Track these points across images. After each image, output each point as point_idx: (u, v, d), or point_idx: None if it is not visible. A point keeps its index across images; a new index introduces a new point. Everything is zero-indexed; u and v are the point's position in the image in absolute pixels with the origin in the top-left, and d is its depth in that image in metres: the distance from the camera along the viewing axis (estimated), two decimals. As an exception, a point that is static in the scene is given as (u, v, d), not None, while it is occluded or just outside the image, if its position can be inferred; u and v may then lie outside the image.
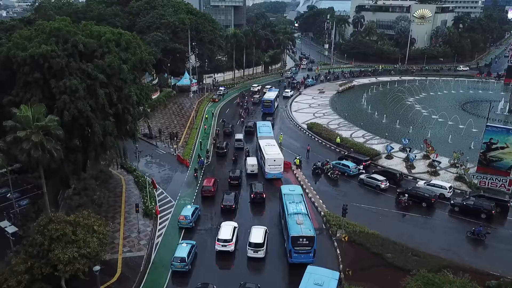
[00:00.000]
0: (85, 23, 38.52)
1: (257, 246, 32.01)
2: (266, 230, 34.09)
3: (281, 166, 46.13)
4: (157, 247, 34.06)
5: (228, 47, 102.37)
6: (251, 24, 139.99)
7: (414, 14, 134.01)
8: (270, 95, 76.95)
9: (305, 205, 35.30)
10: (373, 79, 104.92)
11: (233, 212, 39.28)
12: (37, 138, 28.27)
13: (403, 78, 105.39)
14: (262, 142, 50.05)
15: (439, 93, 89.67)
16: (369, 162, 49.69)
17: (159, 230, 36.48)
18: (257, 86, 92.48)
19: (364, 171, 47.83)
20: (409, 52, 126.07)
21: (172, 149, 55.35)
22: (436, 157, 49.37)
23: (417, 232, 36.17)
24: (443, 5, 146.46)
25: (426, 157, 51.16)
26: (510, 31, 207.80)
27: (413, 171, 48.58)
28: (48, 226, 25.77)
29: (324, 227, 36.98)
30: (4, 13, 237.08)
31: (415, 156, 50.49)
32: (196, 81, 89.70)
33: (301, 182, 45.26)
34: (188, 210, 37.36)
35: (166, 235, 35.76)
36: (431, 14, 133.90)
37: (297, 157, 50.19)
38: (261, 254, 32.07)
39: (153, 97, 77.52)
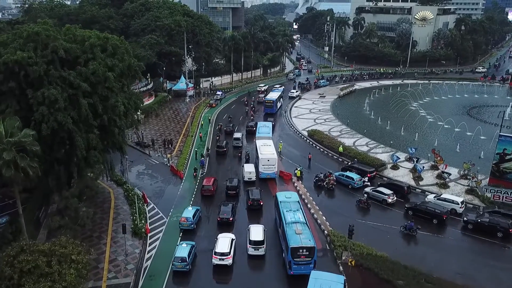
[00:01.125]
0: (68, 26, 35.52)
1: (258, 243, 32.18)
2: (264, 228, 34.08)
3: (275, 166, 46.17)
4: (146, 272, 31.04)
5: (226, 50, 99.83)
6: (250, 26, 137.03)
7: (415, 16, 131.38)
8: (273, 95, 77.26)
9: (303, 213, 33.83)
10: (374, 83, 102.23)
11: (230, 224, 37.10)
12: (10, 155, 25.34)
13: (406, 81, 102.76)
14: (258, 142, 50.90)
15: (443, 97, 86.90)
16: (374, 173, 46.81)
17: (148, 252, 33.46)
18: (264, 86, 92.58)
19: (369, 183, 44.95)
20: (411, 55, 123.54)
21: (165, 159, 52.38)
22: (445, 168, 46.54)
23: (428, 253, 33.27)
24: (445, 7, 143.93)
25: (434, 167, 48.34)
26: (511, 33, 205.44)
27: (421, 183, 45.71)
28: (18, 257, 22.79)
29: (328, 247, 34.06)
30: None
31: (423, 167, 47.61)
32: (192, 85, 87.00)
33: (303, 196, 42.42)
34: (189, 212, 36.64)
35: (156, 258, 32.74)
36: (432, 16, 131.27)
37: (298, 168, 47.35)
38: (261, 251, 32.27)
39: (148, 102, 75.03)
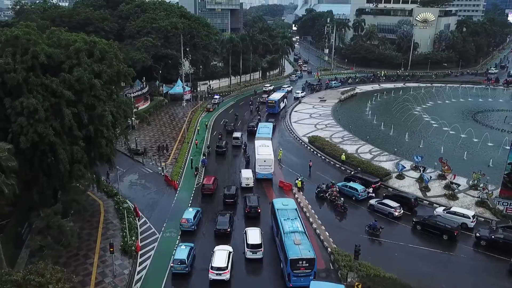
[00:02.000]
0: (52, 29, 33.10)
1: (256, 247, 31.76)
2: (261, 230, 33.70)
3: (271, 167, 46.45)
4: (135, 295, 28.71)
5: (224, 52, 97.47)
6: (248, 28, 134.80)
7: (416, 18, 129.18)
8: (275, 95, 78.12)
9: (301, 222, 32.95)
10: (376, 86, 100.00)
11: (228, 235, 35.21)
12: (-19, 173, 22.94)
13: (408, 85, 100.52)
14: (257, 143, 51.26)
15: (447, 101, 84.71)
16: (379, 183, 44.45)
17: (138, 272, 31.00)
18: (270, 86, 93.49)
19: (373, 194, 42.60)
20: (412, 57, 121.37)
21: (160, 168, 49.92)
22: (453, 178, 44.23)
23: (439, 273, 30.90)
24: (446, 9, 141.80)
25: (441, 177, 46.01)
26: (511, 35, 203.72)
27: (428, 194, 43.36)
28: (-12, 288, 20.40)
29: (331, 267, 31.65)
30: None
31: (430, 176, 45.27)
32: (189, 88, 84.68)
33: (304, 209, 40.07)
34: (189, 213, 36.56)
35: (146, 280, 30.29)
36: (434, 18, 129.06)
37: (299, 178, 44.99)
38: (259, 254, 31.88)
39: (143, 106, 72.70)
